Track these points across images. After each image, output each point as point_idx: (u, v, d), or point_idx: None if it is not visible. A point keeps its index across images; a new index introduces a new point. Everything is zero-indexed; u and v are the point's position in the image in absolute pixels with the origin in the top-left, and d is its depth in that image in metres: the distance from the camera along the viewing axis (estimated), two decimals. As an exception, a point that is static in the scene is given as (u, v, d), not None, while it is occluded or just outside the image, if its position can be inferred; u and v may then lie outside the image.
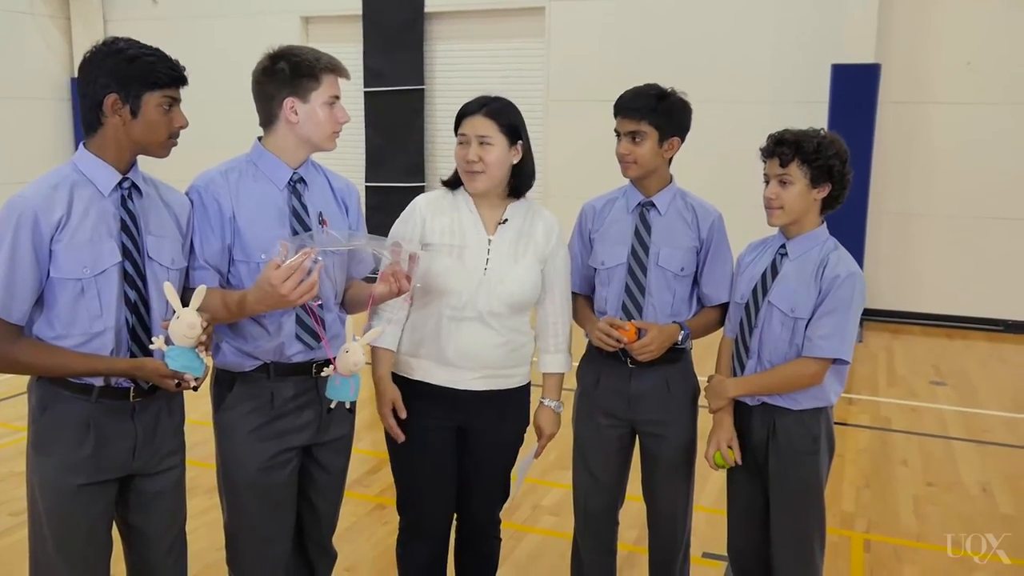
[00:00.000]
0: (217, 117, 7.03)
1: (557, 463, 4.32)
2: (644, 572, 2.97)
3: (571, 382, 2.78)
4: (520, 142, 2.51)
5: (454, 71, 9.50)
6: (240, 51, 10.11)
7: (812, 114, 7.43)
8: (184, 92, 2.14)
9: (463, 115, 2.51)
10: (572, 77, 8.75)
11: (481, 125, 2.46)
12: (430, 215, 2.53)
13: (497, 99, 2.52)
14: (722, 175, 6.87)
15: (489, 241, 2.51)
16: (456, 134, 2.51)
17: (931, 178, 7.83)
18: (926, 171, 7.83)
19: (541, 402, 2.69)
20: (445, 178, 2.62)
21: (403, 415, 2.52)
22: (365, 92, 9.65)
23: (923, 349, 7.32)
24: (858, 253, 7.59)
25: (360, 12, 9.58)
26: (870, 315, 8.05)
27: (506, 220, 2.54)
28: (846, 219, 7.38)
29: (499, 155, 2.46)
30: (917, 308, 8.03)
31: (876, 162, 7.64)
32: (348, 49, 9.76)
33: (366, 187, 9.83)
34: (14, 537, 3.58)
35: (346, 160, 10.05)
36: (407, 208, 2.58)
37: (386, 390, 2.54)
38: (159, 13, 10.61)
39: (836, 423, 5.17)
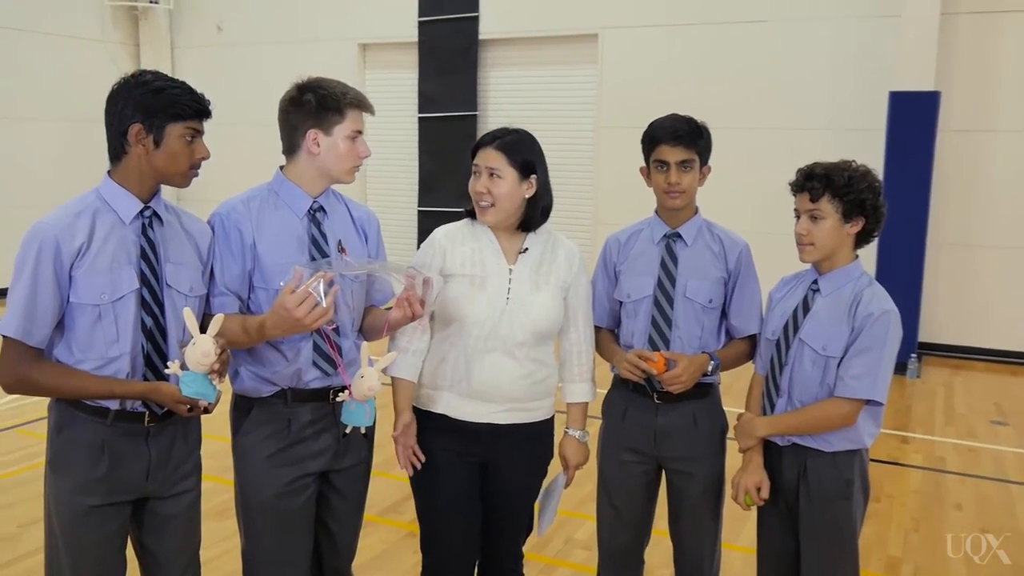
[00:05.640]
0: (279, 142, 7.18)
1: (591, 496, 4.22)
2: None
3: (595, 411, 2.72)
4: (534, 176, 2.45)
5: (507, 97, 9.53)
6: (301, 77, 10.37)
7: (869, 142, 7.29)
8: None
9: (477, 147, 2.47)
10: (623, 104, 8.70)
11: (492, 157, 2.42)
12: (450, 246, 2.49)
13: (514, 132, 2.47)
14: (778, 202, 6.73)
15: (510, 270, 2.48)
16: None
17: (994, 208, 7.57)
18: (988, 201, 7.57)
19: (566, 432, 2.64)
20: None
21: (412, 441, 2.47)
22: (419, 118, 9.77)
23: (985, 386, 7.04)
24: (916, 286, 7.35)
25: (416, 39, 9.71)
26: (929, 350, 7.78)
27: (526, 249, 2.51)
28: (904, 251, 7.22)
29: (508, 188, 2.42)
30: (979, 343, 7.74)
31: (935, 192, 7.41)
32: (404, 75, 9.92)
33: (419, 211, 9.92)
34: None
35: (400, 185, 10.18)
36: (427, 240, 2.55)
37: (402, 415, 2.48)
38: (224, 40, 10.91)
39: (887, 462, 5.07)
